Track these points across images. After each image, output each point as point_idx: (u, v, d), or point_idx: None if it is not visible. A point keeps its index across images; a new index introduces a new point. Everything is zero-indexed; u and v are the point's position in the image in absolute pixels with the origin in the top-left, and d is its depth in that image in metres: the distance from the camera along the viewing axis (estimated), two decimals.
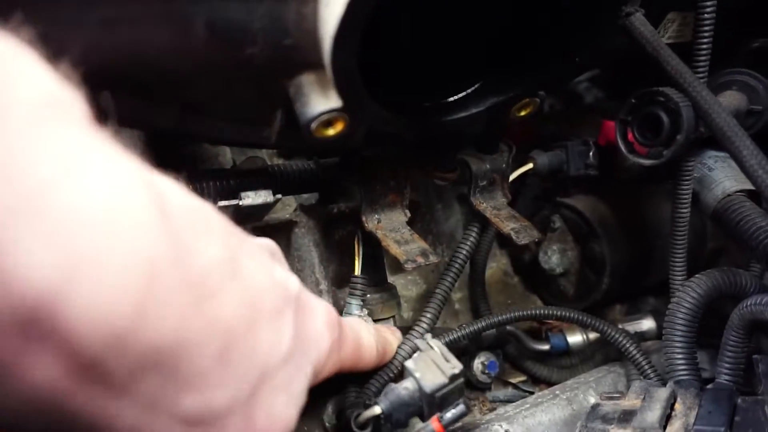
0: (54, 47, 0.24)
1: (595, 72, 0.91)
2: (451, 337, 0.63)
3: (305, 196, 0.73)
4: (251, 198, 0.55)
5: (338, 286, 0.71)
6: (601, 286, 0.82)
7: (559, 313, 0.70)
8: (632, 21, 0.56)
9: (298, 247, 0.71)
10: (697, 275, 0.57)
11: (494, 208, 0.65)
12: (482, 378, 0.78)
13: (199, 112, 0.46)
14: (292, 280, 0.38)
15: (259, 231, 0.49)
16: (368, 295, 0.63)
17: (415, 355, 0.43)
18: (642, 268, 0.85)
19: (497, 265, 0.97)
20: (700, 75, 0.57)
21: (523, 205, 0.91)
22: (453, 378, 0.41)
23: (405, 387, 0.42)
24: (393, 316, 0.65)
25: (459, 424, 0.43)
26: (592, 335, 0.79)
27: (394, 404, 0.42)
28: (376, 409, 0.43)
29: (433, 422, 0.41)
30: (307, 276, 0.69)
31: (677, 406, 0.50)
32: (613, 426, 0.49)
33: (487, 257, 0.85)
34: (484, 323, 0.67)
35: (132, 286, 0.23)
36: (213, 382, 0.29)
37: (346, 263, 0.76)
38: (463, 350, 0.78)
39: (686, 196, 0.61)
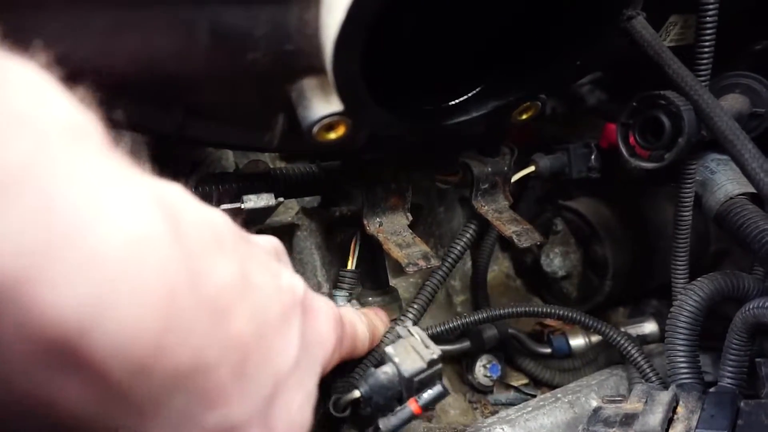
0: (66, 65, 0.25)
1: (598, 74, 0.91)
2: (448, 326, 0.64)
3: (307, 199, 0.73)
4: (253, 201, 0.55)
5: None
6: (604, 289, 0.82)
7: (560, 312, 0.70)
8: (634, 24, 0.56)
9: (300, 250, 0.71)
10: (699, 278, 0.57)
11: (496, 210, 0.65)
12: (484, 381, 0.78)
13: (202, 117, 0.46)
14: (298, 284, 0.38)
15: (261, 234, 0.49)
16: (363, 295, 0.63)
17: (396, 341, 0.44)
18: (644, 271, 0.84)
19: (499, 267, 0.97)
20: (703, 78, 0.57)
21: (525, 208, 0.91)
22: (431, 363, 0.42)
23: (384, 372, 0.42)
24: (395, 319, 0.65)
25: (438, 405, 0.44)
26: (595, 338, 0.79)
27: (373, 388, 0.42)
28: (356, 393, 0.43)
29: (411, 403, 0.42)
30: (309, 279, 0.70)
31: (679, 409, 0.50)
32: (614, 429, 0.49)
33: (489, 260, 0.85)
34: (480, 315, 0.67)
35: (153, 315, 0.24)
36: (232, 397, 0.30)
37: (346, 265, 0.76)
38: (465, 353, 0.78)
39: (688, 199, 0.61)
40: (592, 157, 0.77)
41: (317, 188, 0.65)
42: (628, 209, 0.85)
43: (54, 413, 0.24)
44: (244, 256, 0.32)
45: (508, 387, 0.82)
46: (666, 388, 0.54)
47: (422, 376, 0.42)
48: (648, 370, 0.62)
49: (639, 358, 0.63)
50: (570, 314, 0.69)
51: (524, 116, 0.56)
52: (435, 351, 0.42)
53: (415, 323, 0.60)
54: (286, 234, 0.70)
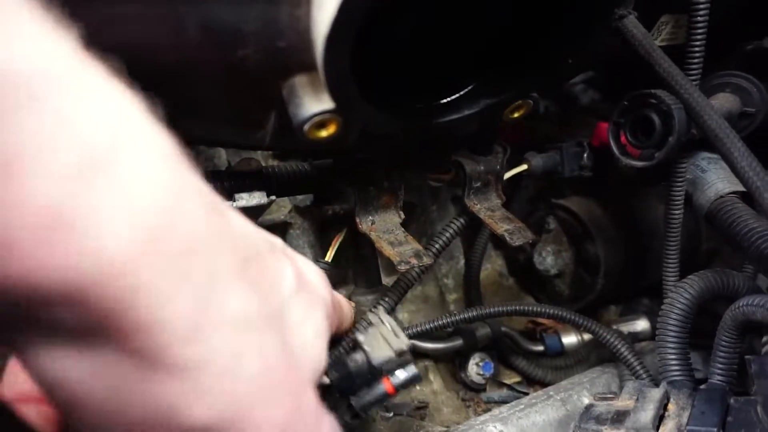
0: None
1: (590, 74, 0.91)
2: (438, 323, 0.64)
3: (300, 197, 0.73)
4: (245, 199, 0.55)
5: (333, 287, 0.71)
6: (596, 287, 0.82)
7: (551, 311, 0.70)
8: (625, 23, 0.56)
9: (292, 248, 0.71)
10: (689, 276, 0.57)
11: (488, 209, 0.66)
12: (477, 379, 0.78)
13: (193, 114, 0.46)
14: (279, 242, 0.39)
15: None
16: (356, 293, 0.63)
17: (367, 328, 0.44)
18: (637, 269, 0.85)
19: (492, 266, 0.97)
20: (693, 77, 0.57)
21: (518, 207, 0.91)
22: (400, 353, 0.42)
23: (353, 359, 0.42)
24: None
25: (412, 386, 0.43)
26: (587, 336, 0.80)
27: (342, 375, 0.42)
28: (324, 379, 0.43)
29: (384, 382, 0.42)
30: None
31: (670, 406, 0.50)
32: (606, 426, 0.49)
33: (482, 258, 0.86)
34: (471, 314, 0.67)
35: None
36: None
37: (341, 264, 0.76)
38: (457, 351, 0.78)
39: (679, 198, 0.61)
40: (585, 155, 0.77)
41: (310, 186, 0.65)
42: (620, 208, 0.86)
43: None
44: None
45: (501, 385, 0.82)
46: (657, 385, 0.54)
47: (391, 365, 0.42)
48: (639, 368, 0.62)
49: (629, 356, 0.63)
50: (560, 313, 0.69)
51: (516, 114, 0.57)
52: (404, 341, 0.42)
53: (389, 312, 0.60)
54: (278, 232, 0.70)
